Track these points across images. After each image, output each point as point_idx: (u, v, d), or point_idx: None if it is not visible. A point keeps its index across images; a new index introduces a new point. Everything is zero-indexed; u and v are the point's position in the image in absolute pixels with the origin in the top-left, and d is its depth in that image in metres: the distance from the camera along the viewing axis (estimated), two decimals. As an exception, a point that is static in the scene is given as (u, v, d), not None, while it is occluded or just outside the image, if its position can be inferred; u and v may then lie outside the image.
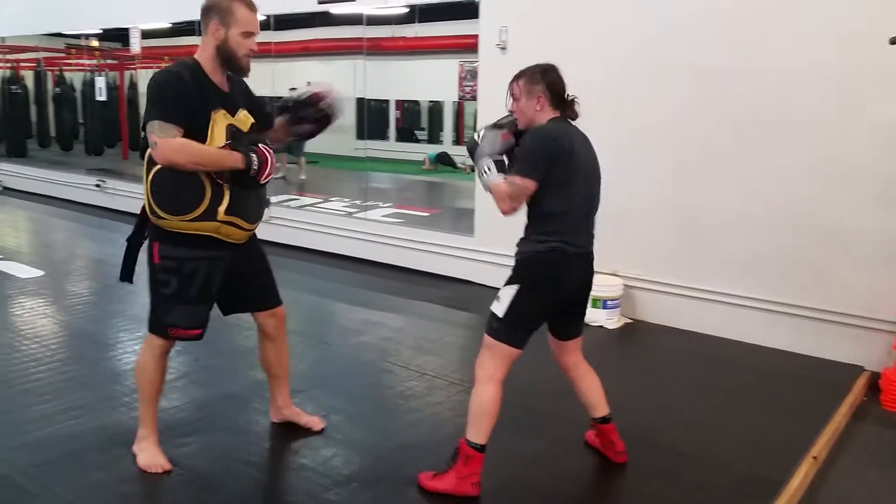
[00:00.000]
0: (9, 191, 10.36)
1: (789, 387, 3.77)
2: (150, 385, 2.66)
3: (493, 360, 2.55)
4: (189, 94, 2.40)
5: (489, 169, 2.51)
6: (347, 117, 10.62)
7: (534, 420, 3.20)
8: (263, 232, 2.83)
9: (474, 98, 5.80)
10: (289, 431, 3.02)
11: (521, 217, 2.57)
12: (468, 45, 5.84)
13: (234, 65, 2.50)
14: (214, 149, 2.40)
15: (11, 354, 3.80)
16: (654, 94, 4.54)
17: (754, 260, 4.30)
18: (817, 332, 4.12)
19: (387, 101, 14.25)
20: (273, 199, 6.66)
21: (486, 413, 2.51)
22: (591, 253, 2.66)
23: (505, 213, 2.49)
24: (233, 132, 2.47)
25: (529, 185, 2.44)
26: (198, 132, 2.41)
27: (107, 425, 2.99)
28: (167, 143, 2.34)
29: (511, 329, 2.53)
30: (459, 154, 10.87)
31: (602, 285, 4.60)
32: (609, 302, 4.60)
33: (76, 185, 9.55)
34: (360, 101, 9.50)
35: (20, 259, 6.07)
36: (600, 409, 2.80)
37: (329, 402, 3.12)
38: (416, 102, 15.03)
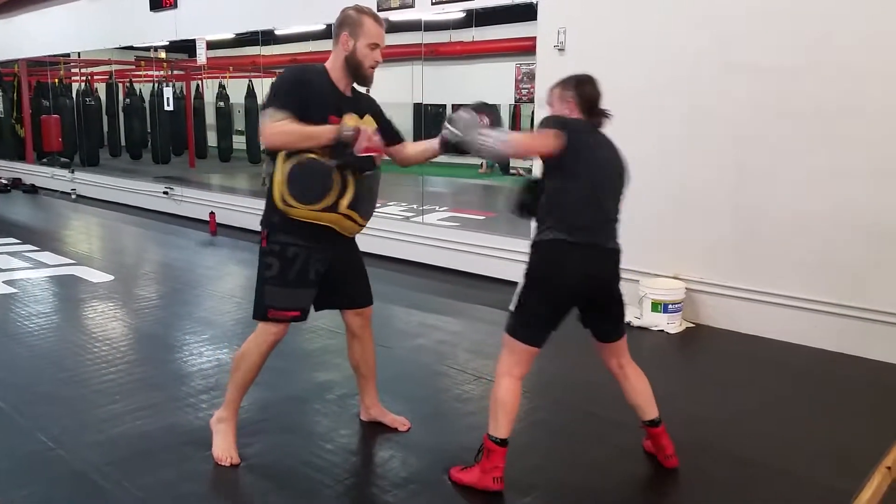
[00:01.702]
0: (82, 198, 10.80)
1: (860, 394, 3.63)
2: (248, 372, 2.75)
3: (510, 356, 2.55)
4: (309, 89, 2.53)
5: (487, 133, 2.47)
6: (405, 123, 10.75)
7: (592, 426, 3.16)
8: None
9: (531, 100, 5.78)
10: (348, 433, 3.06)
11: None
12: (524, 48, 5.82)
13: (359, 74, 2.63)
14: (310, 126, 2.47)
15: (84, 356, 3.95)
16: (717, 93, 4.44)
17: (822, 262, 4.16)
18: (889, 338, 3.95)
19: (443, 106, 14.33)
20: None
21: (501, 407, 2.53)
22: (608, 247, 2.54)
23: (539, 149, 2.45)
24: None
25: (552, 135, 2.42)
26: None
27: (174, 425, 3.08)
28: (268, 126, 2.47)
29: (523, 325, 2.52)
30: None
31: (663, 288, 4.52)
32: (670, 306, 4.50)
33: (145, 192, 9.89)
34: (417, 107, 9.57)
35: (92, 264, 6.32)
36: (649, 412, 2.73)
37: (386, 404, 3.14)
38: (472, 106, 15.05)
